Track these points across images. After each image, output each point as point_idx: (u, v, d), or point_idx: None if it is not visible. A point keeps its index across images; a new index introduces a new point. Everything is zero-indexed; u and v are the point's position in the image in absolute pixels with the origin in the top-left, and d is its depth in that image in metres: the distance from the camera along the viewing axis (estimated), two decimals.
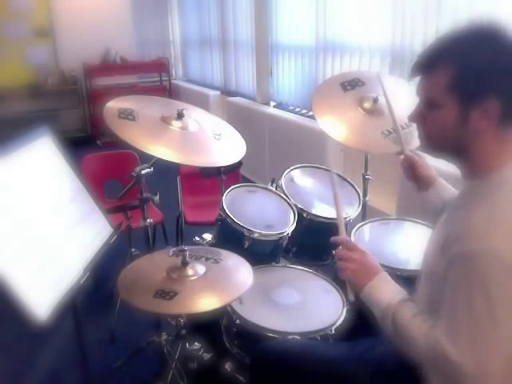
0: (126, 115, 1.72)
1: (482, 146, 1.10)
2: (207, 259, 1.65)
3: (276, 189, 2.18)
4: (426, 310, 1.16)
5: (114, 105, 1.77)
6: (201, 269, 1.58)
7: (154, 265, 1.65)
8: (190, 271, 1.55)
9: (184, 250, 1.57)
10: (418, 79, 1.14)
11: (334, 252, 1.31)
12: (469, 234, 1.02)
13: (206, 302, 1.47)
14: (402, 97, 2.26)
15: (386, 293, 1.21)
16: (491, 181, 1.09)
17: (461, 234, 1.03)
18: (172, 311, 1.43)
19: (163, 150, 1.67)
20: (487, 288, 0.98)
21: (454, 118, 1.09)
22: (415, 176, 1.61)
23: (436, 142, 1.16)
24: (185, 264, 1.56)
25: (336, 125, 2.15)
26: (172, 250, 1.67)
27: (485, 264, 0.98)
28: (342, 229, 1.40)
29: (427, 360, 1.08)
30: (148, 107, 1.87)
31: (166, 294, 1.44)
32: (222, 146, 1.88)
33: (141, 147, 1.62)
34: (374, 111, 2.11)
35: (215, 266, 1.62)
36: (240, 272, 1.60)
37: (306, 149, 3.60)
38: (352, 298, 1.29)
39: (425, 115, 1.14)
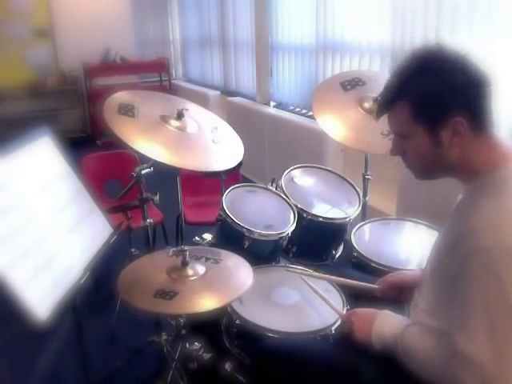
0: (126, 112, 1.71)
1: (467, 157, 1.14)
2: (207, 259, 1.65)
3: (276, 189, 2.18)
4: (431, 312, 1.18)
5: (115, 99, 1.75)
6: (201, 269, 1.58)
7: (154, 265, 1.65)
8: (189, 271, 1.55)
9: (184, 250, 1.57)
10: (385, 117, 1.22)
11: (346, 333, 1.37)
12: (479, 230, 1.03)
13: (206, 302, 1.47)
14: None
15: (389, 329, 1.23)
16: (494, 179, 1.11)
17: (471, 231, 1.04)
18: (172, 311, 1.44)
19: (159, 152, 1.66)
20: (502, 282, 0.99)
21: (427, 143, 1.14)
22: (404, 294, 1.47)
23: (422, 168, 1.22)
24: (185, 264, 1.56)
25: (336, 125, 2.15)
26: (172, 250, 1.67)
27: (498, 258, 0.99)
28: (336, 308, 1.53)
29: (446, 373, 1.06)
30: (150, 105, 1.85)
31: (166, 294, 1.44)
32: (219, 150, 1.86)
33: (137, 148, 1.61)
34: (374, 111, 2.11)
35: (215, 266, 1.62)
36: (240, 272, 1.60)
37: (306, 149, 3.60)
38: None
39: (402, 147, 1.20)
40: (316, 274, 1.78)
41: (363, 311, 1.35)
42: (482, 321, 1.01)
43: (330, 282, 1.73)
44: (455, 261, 1.06)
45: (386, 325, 1.25)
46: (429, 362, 1.11)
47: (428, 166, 1.20)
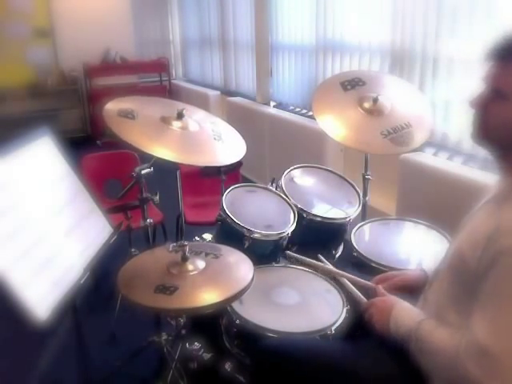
0: (126, 114, 1.73)
1: None
2: (207, 254, 1.65)
3: (276, 189, 2.18)
4: (444, 305, 1.17)
5: (113, 106, 1.77)
6: (201, 264, 1.58)
7: (154, 260, 1.66)
8: (190, 266, 1.55)
9: (184, 245, 1.57)
10: (490, 64, 1.09)
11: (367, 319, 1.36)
12: None
13: (207, 297, 1.47)
14: (402, 97, 2.26)
15: (406, 321, 1.22)
16: None
17: (506, 229, 1.02)
18: (173, 306, 1.43)
19: (162, 150, 1.67)
20: None
21: None
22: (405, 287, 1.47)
23: (491, 134, 1.12)
24: (185, 259, 1.56)
25: (336, 125, 2.15)
26: (172, 245, 1.67)
27: None
28: (360, 297, 1.47)
29: (459, 367, 1.04)
30: (148, 108, 1.87)
31: (166, 289, 1.44)
32: (222, 145, 1.88)
33: (140, 146, 1.62)
34: (374, 111, 2.11)
35: (215, 261, 1.62)
36: (240, 266, 1.61)
37: (306, 149, 3.60)
38: None
39: (488, 104, 1.09)
40: (318, 263, 1.75)
41: (381, 302, 1.33)
42: (509, 318, 0.99)
43: (332, 274, 1.71)
44: (485, 256, 1.04)
45: (401, 318, 1.24)
46: (440, 357, 1.10)
47: (498, 137, 1.10)
